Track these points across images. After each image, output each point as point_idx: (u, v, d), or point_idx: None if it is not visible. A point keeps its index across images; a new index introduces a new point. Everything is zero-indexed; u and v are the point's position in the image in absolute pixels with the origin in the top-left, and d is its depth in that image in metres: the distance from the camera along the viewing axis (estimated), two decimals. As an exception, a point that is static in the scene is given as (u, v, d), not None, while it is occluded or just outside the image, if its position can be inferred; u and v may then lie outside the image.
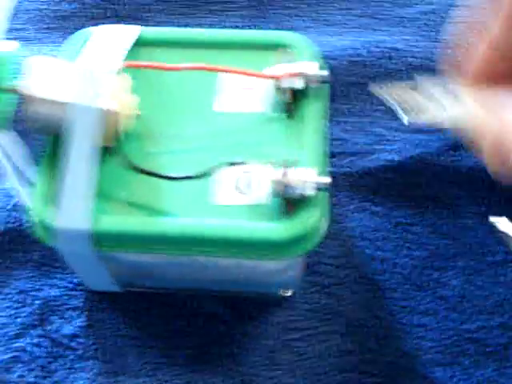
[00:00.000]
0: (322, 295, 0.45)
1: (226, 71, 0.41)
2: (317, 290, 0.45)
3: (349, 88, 0.52)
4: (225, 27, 0.56)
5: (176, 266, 0.41)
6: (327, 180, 0.36)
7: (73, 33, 0.52)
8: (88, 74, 0.38)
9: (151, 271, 0.42)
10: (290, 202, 0.37)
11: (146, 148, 0.40)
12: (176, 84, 0.42)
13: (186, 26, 0.56)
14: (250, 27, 0.56)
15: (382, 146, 0.50)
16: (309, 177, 0.36)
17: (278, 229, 0.36)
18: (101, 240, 0.37)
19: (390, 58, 0.53)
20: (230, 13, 0.57)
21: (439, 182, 0.48)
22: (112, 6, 0.58)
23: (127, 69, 0.40)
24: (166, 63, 0.41)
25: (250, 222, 0.36)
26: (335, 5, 0.58)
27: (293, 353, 0.43)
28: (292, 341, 0.43)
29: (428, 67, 0.53)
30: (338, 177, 0.48)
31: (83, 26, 0.52)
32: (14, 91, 0.37)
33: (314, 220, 0.36)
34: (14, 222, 0.47)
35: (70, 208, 0.37)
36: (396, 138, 0.50)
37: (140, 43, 0.43)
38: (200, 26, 0.56)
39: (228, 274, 0.42)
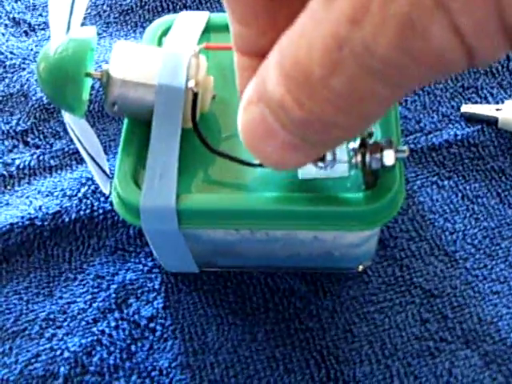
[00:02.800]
0: (396, 268, 0.45)
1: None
2: (390, 264, 0.45)
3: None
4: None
5: (256, 243, 0.42)
6: (405, 149, 0.37)
7: (132, 26, 0.54)
8: (171, 56, 0.39)
9: (231, 249, 0.43)
10: (370, 174, 0.37)
11: (224, 129, 0.41)
12: None
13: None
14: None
15: (445, 124, 0.50)
16: (387, 146, 0.36)
17: (361, 200, 0.37)
18: (186, 218, 0.38)
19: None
20: None
21: (503, 154, 0.49)
22: None
23: (203, 51, 0.41)
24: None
25: (333, 194, 0.37)
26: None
27: (370, 325, 0.44)
28: (369, 313, 0.44)
29: None
30: (404, 154, 0.49)
31: (142, 19, 0.54)
32: (101, 76, 0.38)
33: (394, 190, 0.37)
34: (85, 209, 0.48)
35: (155, 187, 0.38)
36: (458, 117, 0.51)
37: (209, 28, 0.44)
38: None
39: (306, 249, 0.42)
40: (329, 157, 0.36)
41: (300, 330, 0.44)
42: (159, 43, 0.44)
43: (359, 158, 0.36)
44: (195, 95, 0.39)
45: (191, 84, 0.38)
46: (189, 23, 0.44)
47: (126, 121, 0.41)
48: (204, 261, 0.45)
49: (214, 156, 0.39)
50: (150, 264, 0.47)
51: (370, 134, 0.37)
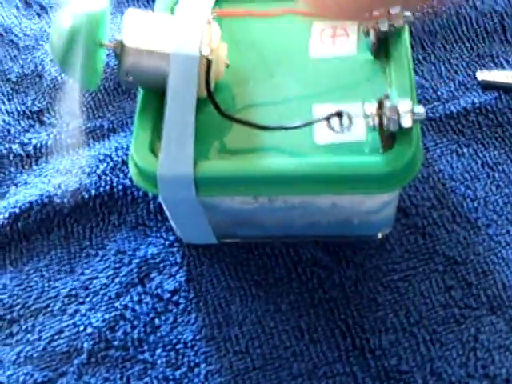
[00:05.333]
0: (418, 236, 0.45)
1: (317, 15, 0.41)
2: (412, 232, 0.45)
3: (423, 37, 0.53)
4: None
5: (275, 211, 0.42)
6: (422, 110, 0.36)
7: (145, 5, 0.53)
8: (185, 24, 0.39)
9: (250, 219, 0.43)
10: (387, 137, 0.37)
11: (238, 97, 0.41)
12: (265, 32, 0.43)
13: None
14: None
15: (463, 92, 0.50)
16: (404, 107, 0.36)
17: (379, 162, 0.37)
18: (203, 185, 0.38)
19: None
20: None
21: (523, 120, 0.49)
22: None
23: (216, 18, 0.41)
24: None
25: (351, 158, 0.37)
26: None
27: (394, 293, 0.44)
28: (392, 282, 0.44)
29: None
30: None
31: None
32: (114, 46, 0.38)
33: (413, 151, 0.37)
34: (104, 186, 0.48)
35: (172, 155, 0.38)
36: (475, 85, 0.51)
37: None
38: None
39: (324, 217, 0.42)
40: (345, 120, 0.36)
41: (324, 300, 0.44)
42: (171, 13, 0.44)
43: (376, 120, 0.36)
44: (209, 62, 0.38)
45: (206, 51, 0.38)
46: None
47: (140, 92, 0.41)
48: (223, 232, 0.44)
49: (229, 123, 0.39)
50: (171, 238, 0.47)
51: (387, 96, 0.37)
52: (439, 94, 0.50)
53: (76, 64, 0.38)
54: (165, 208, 0.40)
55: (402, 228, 0.45)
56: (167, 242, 0.46)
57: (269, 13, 0.41)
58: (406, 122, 0.36)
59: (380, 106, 0.36)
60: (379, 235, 0.45)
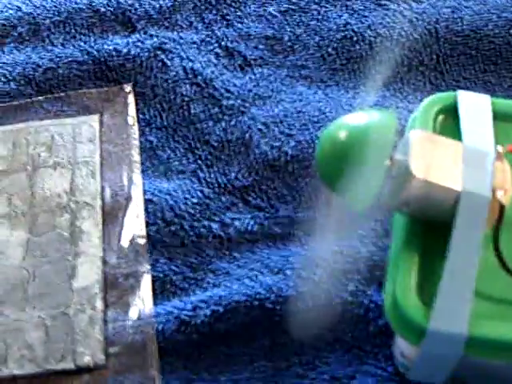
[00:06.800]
0: None
1: None
2: None
3: None
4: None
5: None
6: None
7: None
8: (474, 157, 0.35)
9: (493, 373, 0.38)
10: None
11: None
12: None
13: (489, 83, 0.51)
14: None
15: None
16: None
17: None
18: (474, 346, 0.33)
19: None
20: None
21: None
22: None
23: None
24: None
25: None
26: None
27: None
28: None
29: None
30: None
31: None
32: (395, 167, 0.34)
33: None
34: (321, 296, 0.42)
35: (449, 309, 0.33)
36: None
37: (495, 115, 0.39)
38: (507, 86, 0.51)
39: None
40: None
41: None
42: (434, 122, 0.39)
43: None
44: (502, 208, 0.33)
45: (500, 194, 0.33)
46: (474, 108, 0.39)
47: (402, 217, 0.36)
48: (454, 375, 0.39)
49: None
50: (389, 369, 0.41)
51: None
52: None
53: (351, 182, 0.33)
54: (418, 354, 0.35)
55: None
56: (385, 374, 0.41)
57: None
58: None
59: None
60: None
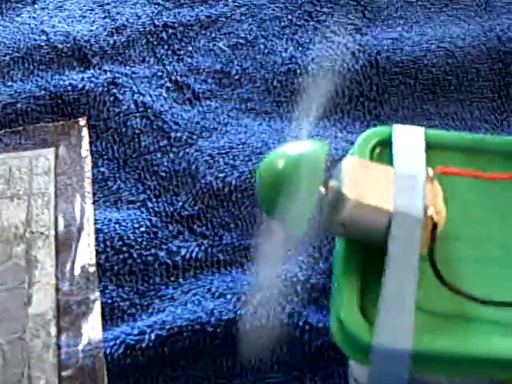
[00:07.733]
0: None
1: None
2: None
3: None
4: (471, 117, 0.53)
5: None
6: None
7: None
8: (406, 179, 0.37)
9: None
10: None
11: (454, 254, 0.38)
12: (489, 193, 0.40)
13: (427, 111, 0.53)
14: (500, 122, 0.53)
15: None
16: None
17: None
18: (420, 362, 0.34)
19: None
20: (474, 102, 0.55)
21: None
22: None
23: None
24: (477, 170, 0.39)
25: None
26: None
27: None
28: None
29: None
30: None
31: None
32: (329, 193, 0.36)
33: None
34: (260, 319, 0.45)
35: (390, 323, 0.34)
36: None
37: (428, 145, 0.41)
38: (444, 114, 0.53)
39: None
40: None
41: None
42: (371, 155, 0.41)
43: None
44: (434, 225, 0.35)
45: (431, 211, 0.35)
46: (408, 138, 0.41)
47: (341, 242, 0.38)
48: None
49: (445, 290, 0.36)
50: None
51: None
52: None
53: (287, 208, 0.35)
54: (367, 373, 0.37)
55: None
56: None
57: (502, 176, 0.38)
58: None
59: None
60: None
